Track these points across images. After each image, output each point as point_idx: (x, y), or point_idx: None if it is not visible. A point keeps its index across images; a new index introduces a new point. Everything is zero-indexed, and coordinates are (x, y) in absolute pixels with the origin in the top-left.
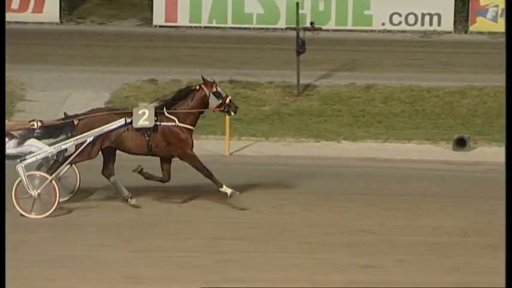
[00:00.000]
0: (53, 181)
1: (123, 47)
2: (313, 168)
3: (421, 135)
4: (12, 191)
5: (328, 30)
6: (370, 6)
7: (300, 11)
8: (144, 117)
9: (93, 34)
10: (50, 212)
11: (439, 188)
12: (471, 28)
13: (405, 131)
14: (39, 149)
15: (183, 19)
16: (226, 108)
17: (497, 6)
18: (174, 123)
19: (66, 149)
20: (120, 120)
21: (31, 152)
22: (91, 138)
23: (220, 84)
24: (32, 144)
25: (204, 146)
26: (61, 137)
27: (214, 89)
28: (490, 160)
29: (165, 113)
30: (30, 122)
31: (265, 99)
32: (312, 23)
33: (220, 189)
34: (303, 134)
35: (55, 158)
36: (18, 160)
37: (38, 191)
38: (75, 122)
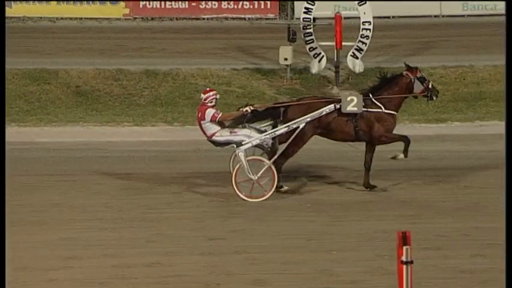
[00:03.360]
0: (272, 165)
1: None
2: None
3: None
4: (232, 175)
5: None
6: None
7: None
8: (352, 103)
9: None
10: (268, 195)
11: None
12: None
13: None
14: (251, 138)
15: None
16: (429, 93)
17: None
18: (379, 109)
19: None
20: (330, 106)
21: (242, 141)
22: (303, 124)
23: None
24: (246, 134)
25: None
26: (266, 123)
27: (419, 75)
28: None
29: (371, 99)
30: (241, 108)
31: None
32: None
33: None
34: None
35: (268, 144)
36: (235, 146)
37: (257, 175)
38: (282, 109)
